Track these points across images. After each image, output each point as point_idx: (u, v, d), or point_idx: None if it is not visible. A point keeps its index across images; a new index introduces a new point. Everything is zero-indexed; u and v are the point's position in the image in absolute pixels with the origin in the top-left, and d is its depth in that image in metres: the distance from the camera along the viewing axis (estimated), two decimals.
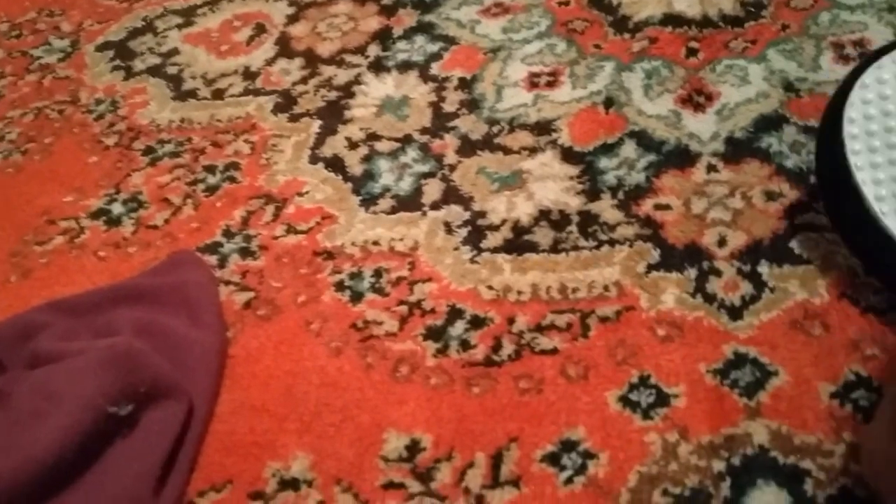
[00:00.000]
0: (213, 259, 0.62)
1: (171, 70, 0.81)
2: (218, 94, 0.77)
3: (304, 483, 0.48)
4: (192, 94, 0.78)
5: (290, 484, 0.48)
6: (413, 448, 0.49)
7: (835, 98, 0.50)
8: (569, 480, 0.46)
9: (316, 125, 0.71)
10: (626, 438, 0.48)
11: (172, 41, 0.85)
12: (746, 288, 0.53)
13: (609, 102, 0.66)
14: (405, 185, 0.64)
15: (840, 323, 0.50)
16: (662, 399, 0.49)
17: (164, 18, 0.88)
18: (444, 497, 0.47)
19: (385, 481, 0.48)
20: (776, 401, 0.48)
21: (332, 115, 0.72)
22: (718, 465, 0.45)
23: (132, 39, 0.86)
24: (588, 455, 0.47)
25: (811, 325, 0.50)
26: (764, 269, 0.54)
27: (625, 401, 0.49)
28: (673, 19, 0.72)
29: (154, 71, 0.81)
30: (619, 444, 0.47)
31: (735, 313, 0.52)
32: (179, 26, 0.87)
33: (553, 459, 0.47)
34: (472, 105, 0.70)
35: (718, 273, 0.54)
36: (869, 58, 0.50)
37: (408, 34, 0.79)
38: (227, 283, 0.60)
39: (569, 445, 0.48)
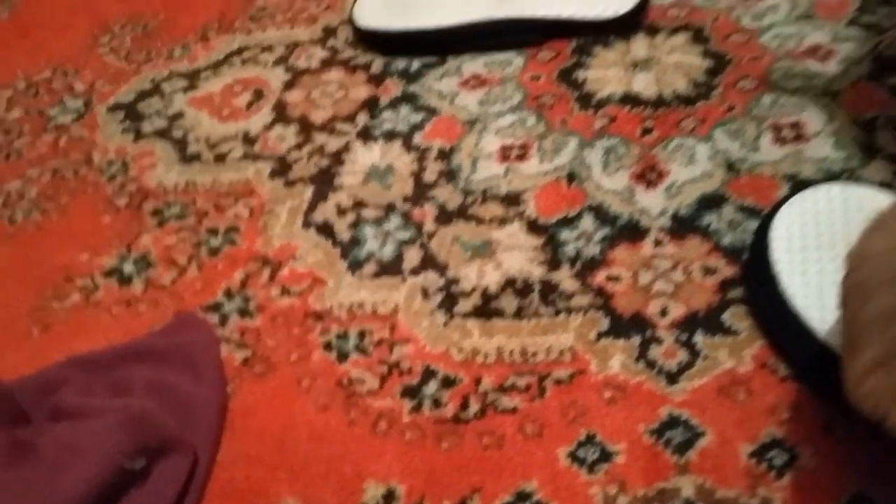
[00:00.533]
0: (215, 318, 0.70)
1: (177, 133, 0.88)
2: (220, 158, 0.84)
3: None
4: (196, 157, 0.85)
5: None
6: (389, 496, 0.56)
7: (767, 214, 0.64)
8: None
9: (309, 191, 0.79)
10: (573, 491, 0.55)
11: (178, 104, 0.92)
12: (683, 355, 0.60)
13: (572, 177, 0.74)
14: (387, 252, 0.72)
15: (761, 389, 0.58)
16: (605, 456, 0.56)
17: (170, 81, 0.95)
18: None
19: None
20: (703, 458, 0.55)
21: (324, 182, 0.79)
22: None
23: (141, 101, 0.93)
24: None
25: (736, 391, 0.58)
26: (699, 338, 0.61)
27: (573, 457, 0.56)
28: (631, 99, 0.79)
29: (161, 133, 0.89)
30: (567, 495, 0.55)
31: (672, 378, 0.59)
32: (185, 89, 0.94)
33: None
34: (450, 175, 0.77)
35: (660, 341, 0.61)
36: (795, 186, 0.66)
37: (393, 103, 0.86)
38: (228, 340, 0.68)
39: (523, 496, 0.55)
